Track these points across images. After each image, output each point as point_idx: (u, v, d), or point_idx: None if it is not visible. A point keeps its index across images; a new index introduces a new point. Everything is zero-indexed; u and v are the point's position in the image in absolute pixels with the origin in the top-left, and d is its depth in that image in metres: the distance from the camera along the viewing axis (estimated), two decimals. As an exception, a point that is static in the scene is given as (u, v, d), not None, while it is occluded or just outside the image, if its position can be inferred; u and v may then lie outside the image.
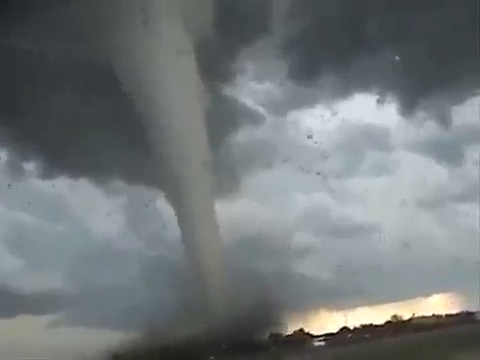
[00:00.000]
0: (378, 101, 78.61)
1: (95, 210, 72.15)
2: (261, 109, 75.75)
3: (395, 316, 61.04)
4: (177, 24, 52.27)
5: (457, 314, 62.13)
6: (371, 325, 60.85)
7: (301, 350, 54.70)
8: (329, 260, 69.08)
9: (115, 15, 50.02)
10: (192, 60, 52.69)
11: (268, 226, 63.23)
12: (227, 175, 59.62)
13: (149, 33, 50.50)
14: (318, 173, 62.15)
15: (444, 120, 77.33)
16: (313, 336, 59.58)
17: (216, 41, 55.58)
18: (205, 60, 53.19)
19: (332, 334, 60.76)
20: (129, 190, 66.09)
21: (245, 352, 49.17)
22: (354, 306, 65.27)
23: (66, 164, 65.39)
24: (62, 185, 69.64)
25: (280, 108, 78.33)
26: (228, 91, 66.71)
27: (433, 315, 62.33)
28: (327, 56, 72.24)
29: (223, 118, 62.59)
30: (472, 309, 61.57)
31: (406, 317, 61.25)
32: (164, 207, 57.45)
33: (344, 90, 78.75)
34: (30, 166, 70.25)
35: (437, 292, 68.47)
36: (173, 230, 55.02)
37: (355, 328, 61.46)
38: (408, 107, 78.42)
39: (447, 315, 62.44)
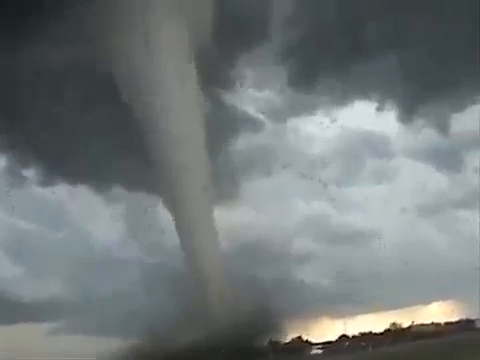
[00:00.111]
0: (377, 108, 79.09)
1: (95, 217, 72.38)
2: (261, 116, 76.14)
3: (394, 324, 60.79)
4: (177, 31, 52.41)
5: (457, 322, 61.81)
6: (370, 333, 60.59)
7: (299, 358, 54.64)
8: (329, 267, 69.29)
9: (115, 19, 50.16)
10: (192, 67, 52.84)
11: (268, 233, 63.13)
12: (227, 182, 59.62)
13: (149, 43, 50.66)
14: (320, 181, 62.31)
15: (443, 127, 77.67)
16: (311, 344, 59.39)
17: (215, 48, 55.60)
18: (205, 67, 53.29)
19: (330, 342, 60.55)
20: (129, 197, 66.09)
21: (244, 359, 49.14)
22: (354, 313, 65.21)
23: (66, 171, 65.56)
24: (62, 192, 70.32)
25: (280, 115, 78.85)
26: (228, 98, 66.77)
27: (432, 323, 61.96)
28: (326, 62, 72.63)
29: (223, 125, 62.60)
30: (472, 317, 61.39)
31: (405, 325, 61.12)
32: (164, 214, 57.53)
33: (343, 97, 79.13)
34: (30, 173, 70.71)
35: (437, 300, 68.39)
36: (173, 237, 54.97)
37: (354, 336, 61.23)
38: (407, 114, 78.74)
39: (446, 323, 62.01)
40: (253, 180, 67.65)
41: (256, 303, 51.92)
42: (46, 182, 71.06)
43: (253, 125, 74.41)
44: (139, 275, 64.35)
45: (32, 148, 63.65)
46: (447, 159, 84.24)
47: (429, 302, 68.77)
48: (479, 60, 60.60)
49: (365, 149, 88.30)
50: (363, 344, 59.15)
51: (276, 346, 55.70)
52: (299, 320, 55.33)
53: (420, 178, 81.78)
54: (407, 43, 68.52)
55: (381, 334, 60.21)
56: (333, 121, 77.35)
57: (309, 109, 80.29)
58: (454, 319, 62.50)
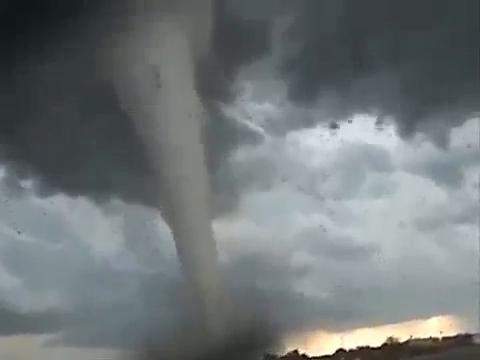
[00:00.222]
0: (377, 122, 79.29)
1: (94, 228, 72.30)
2: (260, 129, 76.54)
3: (391, 338, 60.40)
4: (177, 44, 52.77)
5: (454, 337, 61.38)
6: (368, 347, 60.27)
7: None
8: (328, 280, 68.99)
9: (116, 31, 50.49)
10: (191, 79, 53.13)
11: (267, 245, 62.88)
12: (226, 194, 59.72)
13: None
14: (319, 195, 62.29)
15: (443, 141, 77.74)
16: (308, 358, 58.93)
17: (215, 61, 56.02)
18: (204, 80, 53.60)
19: (327, 356, 60.14)
20: (128, 209, 66.16)
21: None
22: (352, 327, 64.80)
23: (65, 182, 65.60)
24: (60, 203, 70.31)
25: (279, 128, 79.12)
26: (227, 111, 67.29)
27: (430, 338, 61.58)
28: (326, 76, 72.81)
29: (222, 137, 62.69)
30: (471, 331, 61.00)
31: (402, 339, 60.74)
32: (162, 225, 57.52)
33: (343, 111, 79.28)
34: (28, 184, 70.87)
35: (436, 314, 67.86)
36: (171, 248, 54.91)
37: (351, 350, 60.86)
38: (407, 128, 78.86)
39: (444, 338, 61.64)
40: (253, 193, 67.89)
41: (255, 316, 51.74)
42: (45, 193, 71.23)
43: (253, 138, 74.85)
44: (138, 286, 64.41)
45: (30, 159, 64.02)
46: (446, 173, 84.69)
47: (428, 317, 68.31)
48: (478, 76, 60.92)
49: (365, 163, 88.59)
50: (359, 359, 58.79)
51: (272, 360, 55.49)
52: (297, 333, 55.16)
53: (419, 192, 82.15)
54: (407, 58, 69.06)
55: (378, 349, 59.85)
56: (333, 134, 77.34)
57: (309, 123, 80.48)
58: (452, 334, 62.33)
